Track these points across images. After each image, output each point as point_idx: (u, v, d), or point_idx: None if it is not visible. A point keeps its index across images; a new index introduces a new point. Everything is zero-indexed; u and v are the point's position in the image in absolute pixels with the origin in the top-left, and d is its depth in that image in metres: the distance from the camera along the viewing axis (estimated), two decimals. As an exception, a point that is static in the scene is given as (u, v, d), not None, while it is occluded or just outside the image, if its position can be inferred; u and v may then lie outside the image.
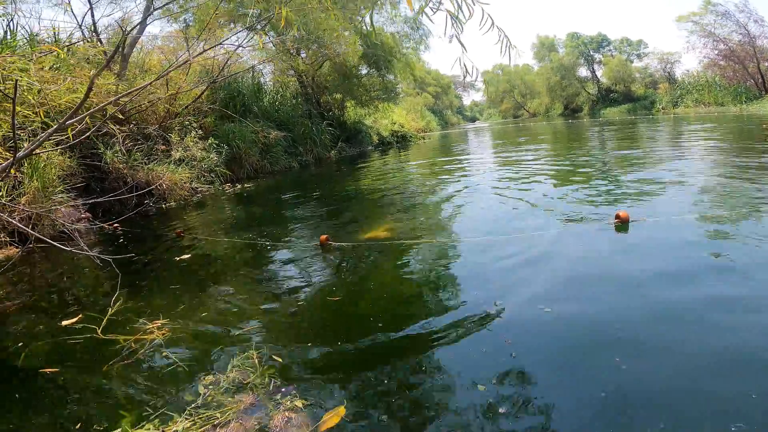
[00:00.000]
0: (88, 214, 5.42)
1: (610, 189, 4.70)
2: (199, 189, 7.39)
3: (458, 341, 1.82)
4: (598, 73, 38.79)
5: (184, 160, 7.23)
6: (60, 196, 4.90)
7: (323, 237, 3.47)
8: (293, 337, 1.99)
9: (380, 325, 2.02)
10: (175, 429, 1.32)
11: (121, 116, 5.82)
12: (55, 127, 1.89)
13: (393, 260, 3.02)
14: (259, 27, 11.16)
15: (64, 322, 2.30)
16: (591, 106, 37.61)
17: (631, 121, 19.64)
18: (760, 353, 1.54)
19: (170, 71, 6.14)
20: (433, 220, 4.17)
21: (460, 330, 1.91)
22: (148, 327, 2.06)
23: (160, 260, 3.64)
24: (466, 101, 73.66)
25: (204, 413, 1.40)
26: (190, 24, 11.69)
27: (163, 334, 2.00)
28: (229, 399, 1.48)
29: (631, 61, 36.21)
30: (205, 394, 1.53)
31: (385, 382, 1.57)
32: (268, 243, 3.68)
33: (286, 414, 1.38)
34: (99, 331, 2.12)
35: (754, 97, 22.15)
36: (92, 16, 7.08)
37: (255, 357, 1.76)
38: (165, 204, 6.59)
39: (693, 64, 48.68)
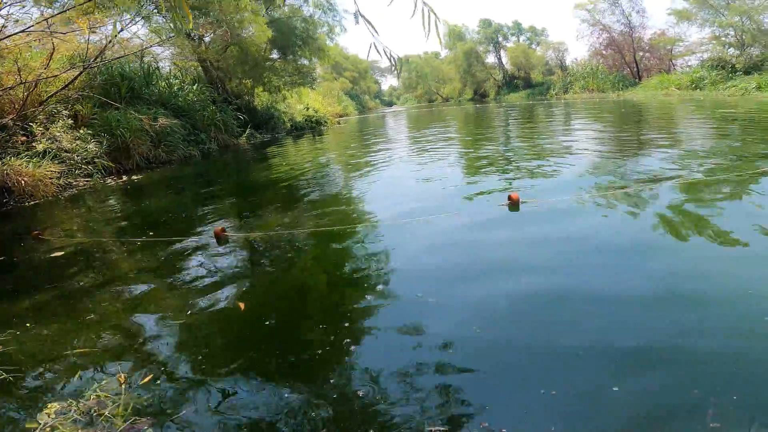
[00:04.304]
0: None
1: (507, 171, 5.10)
2: (73, 183, 6.63)
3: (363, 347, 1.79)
4: (504, 60, 41.23)
5: (50, 152, 6.41)
6: None
7: (218, 228, 3.30)
8: (170, 353, 1.81)
9: (272, 334, 1.90)
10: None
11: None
12: None
13: (291, 252, 2.96)
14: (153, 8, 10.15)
15: None
16: (496, 92, 39.94)
17: (530, 106, 21.27)
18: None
19: None
20: (330, 207, 4.18)
21: (364, 333, 1.88)
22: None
23: (12, 264, 3.22)
24: (384, 86, 74.26)
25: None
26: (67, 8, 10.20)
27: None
28: (72, 434, 1.26)
29: (533, 50, 38.92)
30: (46, 424, 1.31)
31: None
32: (124, 240, 3.42)
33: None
34: None
35: (630, 85, 25.08)
36: None
37: (122, 381, 1.56)
38: (29, 202, 5.83)
39: (582, 53, 53.46)
